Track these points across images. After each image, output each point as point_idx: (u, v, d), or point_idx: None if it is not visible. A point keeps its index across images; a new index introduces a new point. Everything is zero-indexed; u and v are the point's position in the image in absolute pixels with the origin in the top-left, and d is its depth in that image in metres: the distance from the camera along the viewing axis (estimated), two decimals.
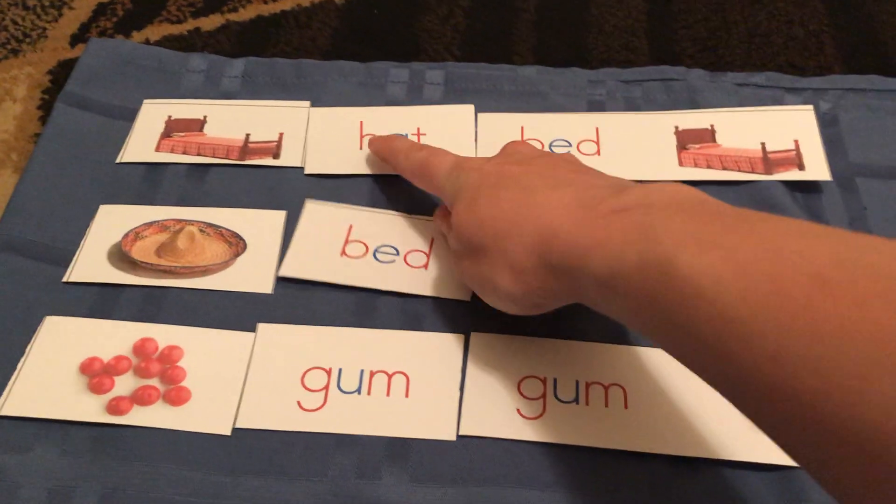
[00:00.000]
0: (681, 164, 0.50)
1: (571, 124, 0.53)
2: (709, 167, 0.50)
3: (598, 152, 0.51)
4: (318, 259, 0.46)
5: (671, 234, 0.29)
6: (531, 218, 0.36)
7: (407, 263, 0.46)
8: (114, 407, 0.40)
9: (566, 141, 0.52)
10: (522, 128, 0.53)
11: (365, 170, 0.50)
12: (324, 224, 0.48)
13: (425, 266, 0.46)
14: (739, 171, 0.50)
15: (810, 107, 0.52)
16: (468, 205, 0.39)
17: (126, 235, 0.46)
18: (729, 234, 0.28)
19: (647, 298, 0.29)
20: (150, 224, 0.47)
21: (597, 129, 0.52)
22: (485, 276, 0.38)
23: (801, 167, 0.49)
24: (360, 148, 0.52)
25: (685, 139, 0.51)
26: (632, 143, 0.52)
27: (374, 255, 0.46)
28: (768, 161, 0.50)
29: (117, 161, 0.51)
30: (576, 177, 0.38)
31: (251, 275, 0.45)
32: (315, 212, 0.48)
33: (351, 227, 0.47)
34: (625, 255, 0.30)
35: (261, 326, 0.43)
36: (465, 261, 0.40)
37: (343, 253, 0.46)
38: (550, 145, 0.52)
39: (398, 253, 0.46)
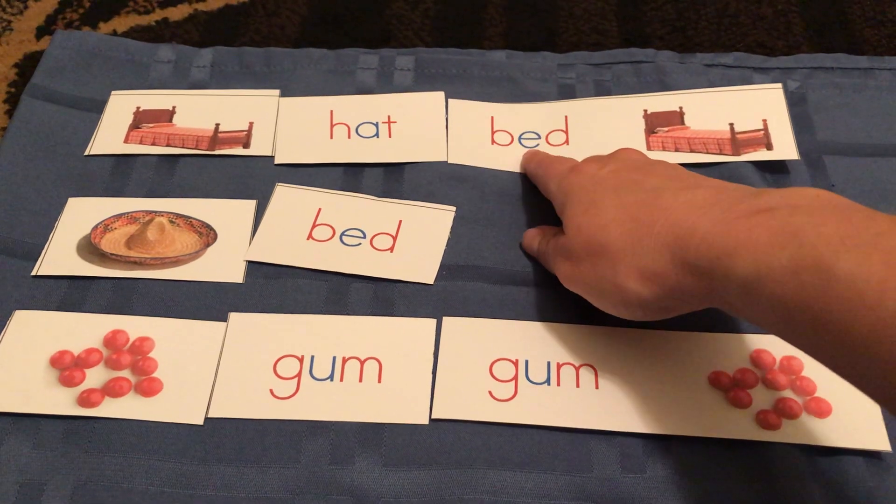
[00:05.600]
0: (649, 147, 0.50)
1: (540, 115, 0.53)
2: (677, 150, 0.50)
3: (567, 142, 0.51)
4: (285, 243, 0.46)
5: (825, 237, 0.28)
6: (662, 217, 0.35)
7: (373, 246, 0.46)
8: (85, 399, 0.39)
9: (535, 133, 0.52)
10: (493, 118, 0.53)
11: (335, 159, 0.50)
12: (292, 208, 0.48)
13: (391, 249, 0.46)
14: (707, 153, 0.50)
15: (779, 85, 0.53)
16: (587, 208, 0.38)
17: (95, 228, 0.46)
18: (887, 237, 0.27)
19: (798, 303, 0.29)
20: (119, 216, 0.47)
21: (566, 118, 0.52)
22: (607, 281, 0.37)
23: (769, 147, 0.50)
24: (331, 137, 0.51)
25: (654, 123, 0.52)
26: (600, 130, 0.52)
27: (341, 239, 0.46)
28: (736, 142, 0.50)
29: (86, 153, 0.51)
30: (701, 180, 0.37)
31: (222, 264, 0.45)
32: (285, 195, 0.48)
33: (319, 210, 0.47)
34: (773, 257, 0.29)
35: (232, 316, 0.43)
36: (582, 266, 0.38)
37: (310, 237, 0.46)
38: (520, 138, 0.52)
39: (365, 236, 0.46)
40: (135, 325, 0.42)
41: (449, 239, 0.46)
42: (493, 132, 0.52)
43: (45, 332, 0.42)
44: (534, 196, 0.49)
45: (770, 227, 0.30)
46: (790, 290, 0.29)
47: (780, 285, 0.29)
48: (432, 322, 0.43)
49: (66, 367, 0.41)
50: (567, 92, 0.54)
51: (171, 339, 0.42)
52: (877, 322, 0.26)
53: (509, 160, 0.51)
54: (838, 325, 0.27)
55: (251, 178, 0.49)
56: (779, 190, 0.33)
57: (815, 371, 0.41)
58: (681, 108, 0.52)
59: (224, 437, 0.39)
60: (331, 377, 0.41)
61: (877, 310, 0.26)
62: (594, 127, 0.52)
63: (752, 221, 0.31)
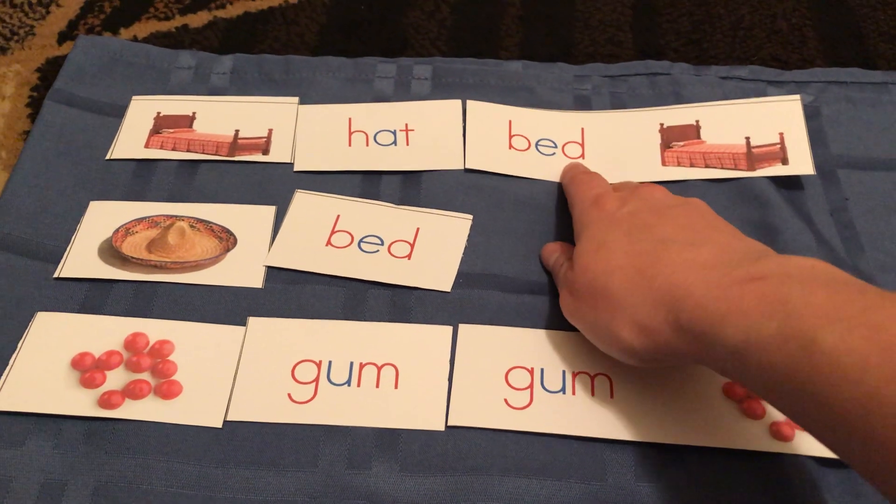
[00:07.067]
0: (664, 163, 0.51)
1: (558, 123, 0.53)
2: (692, 166, 0.51)
3: (583, 155, 0.52)
4: (304, 249, 0.46)
5: (812, 308, 0.29)
6: (664, 274, 0.35)
7: (391, 254, 0.46)
8: (105, 401, 0.40)
9: (552, 142, 0.52)
10: (510, 122, 0.53)
11: (353, 166, 0.51)
12: (312, 214, 0.48)
13: (408, 256, 0.46)
14: (722, 168, 0.50)
15: (797, 97, 0.53)
16: (597, 247, 0.39)
17: (116, 231, 0.47)
18: (873, 312, 0.28)
19: (784, 373, 0.29)
20: (140, 220, 0.47)
21: (582, 130, 0.53)
22: (603, 325, 0.37)
23: (784, 161, 0.50)
24: (349, 145, 0.52)
25: (670, 137, 0.52)
26: (616, 144, 0.52)
27: (359, 245, 0.46)
28: (752, 156, 0.50)
29: (107, 158, 0.51)
30: (711, 234, 0.38)
31: (241, 269, 0.46)
32: (304, 202, 0.49)
33: (338, 216, 0.48)
34: (762, 326, 0.30)
35: (251, 320, 0.44)
36: (582, 304, 0.39)
37: (328, 243, 0.47)
38: (536, 145, 0.52)
39: (383, 243, 0.47)
40: (155, 328, 0.43)
41: (466, 247, 0.47)
42: (510, 136, 0.53)
43: (66, 333, 0.43)
44: (550, 205, 0.49)
45: (760, 296, 0.31)
46: (777, 359, 0.29)
47: (768, 354, 0.30)
48: (448, 329, 0.43)
49: (87, 369, 0.41)
50: (583, 103, 0.55)
51: (191, 342, 0.43)
52: (859, 397, 0.26)
53: (526, 167, 0.51)
54: (822, 397, 0.28)
55: (270, 184, 0.50)
56: (777, 257, 0.34)
57: None
58: (697, 121, 0.52)
59: (242, 440, 0.39)
60: (348, 382, 0.41)
61: (858, 385, 0.26)
62: (610, 141, 0.52)
63: (745, 289, 0.32)
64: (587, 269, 0.39)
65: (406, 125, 0.53)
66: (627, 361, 0.38)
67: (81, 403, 0.40)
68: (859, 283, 0.31)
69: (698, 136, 0.52)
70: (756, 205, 0.49)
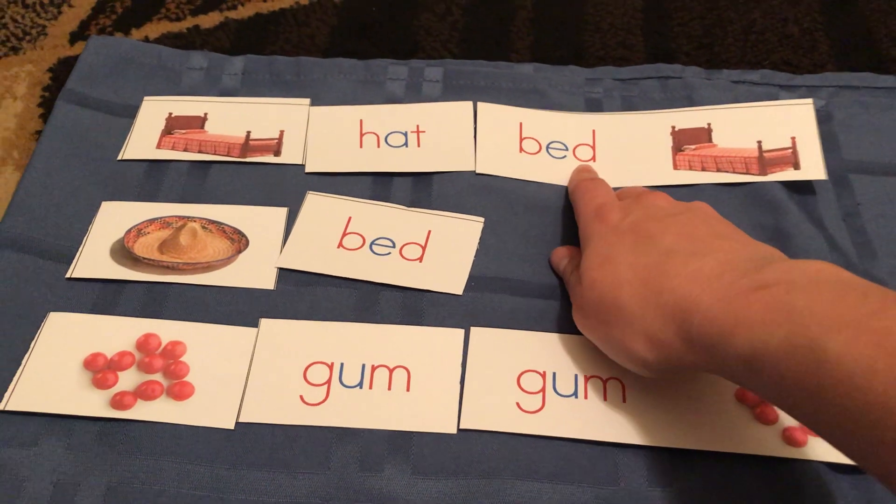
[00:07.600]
0: (675, 167, 0.51)
1: (569, 125, 0.53)
2: (703, 169, 0.50)
3: (594, 158, 0.52)
4: (316, 251, 0.46)
5: (817, 316, 0.29)
6: (670, 286, 0.35)
7: (402, 256, 0.46)
8: (118, 402, 0.40)
9: (563, 144, 0.52)
10: (521, 124, 0.53)
11: (364, 168, 0.51)
12: (323, 216, 0.48)
13: (420, 259, 0.46)
14: (734, 172, 0.50)
15: (809, 101, 0.52)
16: (603, 263, 0.39)
17: (128, 232, 0.47)
18: (878, 316, 0.28)
19: (795, 381, 0.29)
20: (152, 220, 0.48)
21: (593, 132, 0.53)
22: (615, 340, 0.38)
23: (796, 166, 0.50)
24: (360, 146, 0.52)
25: (681, 140, 0.52)
26: (627, 147, 0.52)
27: (371, 248, 0.46)
28: (763, 161, 0.50)
29: (119, 158, 0.51)
30: (715, 243, 0.37)
31: (253, 271, 0.46)
32: (316, 203, 0.49)
33: (350, 218, 0.48)
34: (769, 336, 0.30)
35: (263, 322, 0.44)
36: (593, 320, 0.39)
37: (340, 245, 0.47)
38: (547, 148, 0.52)
39: (394, 245, 0.47)
40: (167, 329, 0.43)
41: (477, 250, 0.47)
42: (521, 139, 0.53)
43: (78, 334, 0.43)
44: (562, 208, 0.49)
45: (766, 306, 0.31)
46: (786, 368, 0.30)
47: (777, 364, 0.30)
48: (460, 332, 0.43)
49: (100, 370, 0.41)
50: (594, 106, 0.55)
51: (203, 343, 0.43)
52: (868, 403, 0.27)
53: (537, 170, 0.51)
54: (832, 404, 0.28)
55: (282, 185, 0.50)
56: (783, 263, 0.34)
57: None
58: (709, 124, 0.52)
59: (255, 441, 0.39)
60: (360, 385, 0.41)
61: (867, 392, 0.27)
62: (621, 143, 0.52)
63: (751, 299, 0.32)
64: (594, 285, 0.39)
65: (417, 127, 0.53)
66: (641, 373, 0.38)
67: (93, 404, 0.40)
68: (863, 285, 0.31)
69: (710, 140, 0.52)
70: (768, 210, 0.48)
